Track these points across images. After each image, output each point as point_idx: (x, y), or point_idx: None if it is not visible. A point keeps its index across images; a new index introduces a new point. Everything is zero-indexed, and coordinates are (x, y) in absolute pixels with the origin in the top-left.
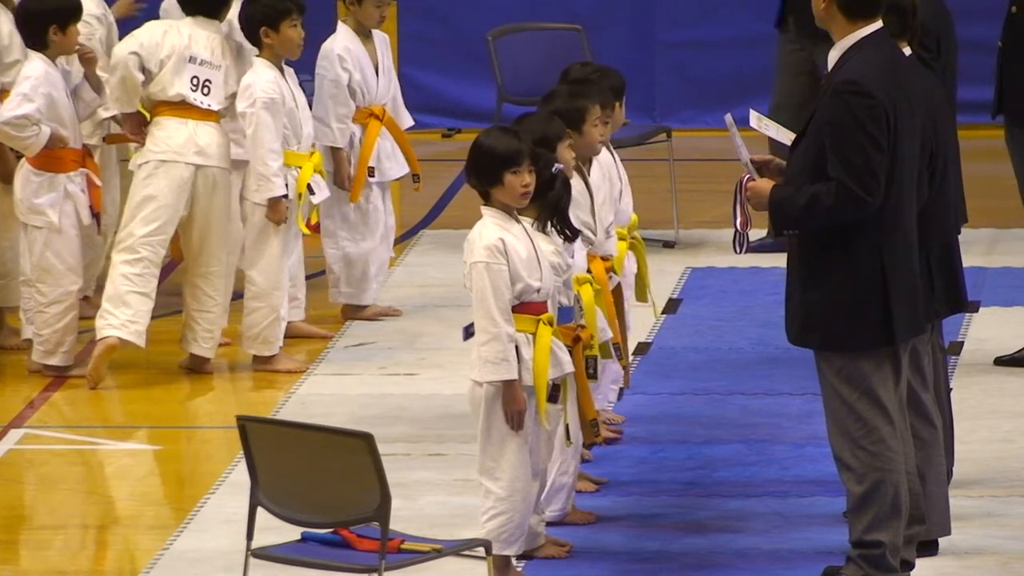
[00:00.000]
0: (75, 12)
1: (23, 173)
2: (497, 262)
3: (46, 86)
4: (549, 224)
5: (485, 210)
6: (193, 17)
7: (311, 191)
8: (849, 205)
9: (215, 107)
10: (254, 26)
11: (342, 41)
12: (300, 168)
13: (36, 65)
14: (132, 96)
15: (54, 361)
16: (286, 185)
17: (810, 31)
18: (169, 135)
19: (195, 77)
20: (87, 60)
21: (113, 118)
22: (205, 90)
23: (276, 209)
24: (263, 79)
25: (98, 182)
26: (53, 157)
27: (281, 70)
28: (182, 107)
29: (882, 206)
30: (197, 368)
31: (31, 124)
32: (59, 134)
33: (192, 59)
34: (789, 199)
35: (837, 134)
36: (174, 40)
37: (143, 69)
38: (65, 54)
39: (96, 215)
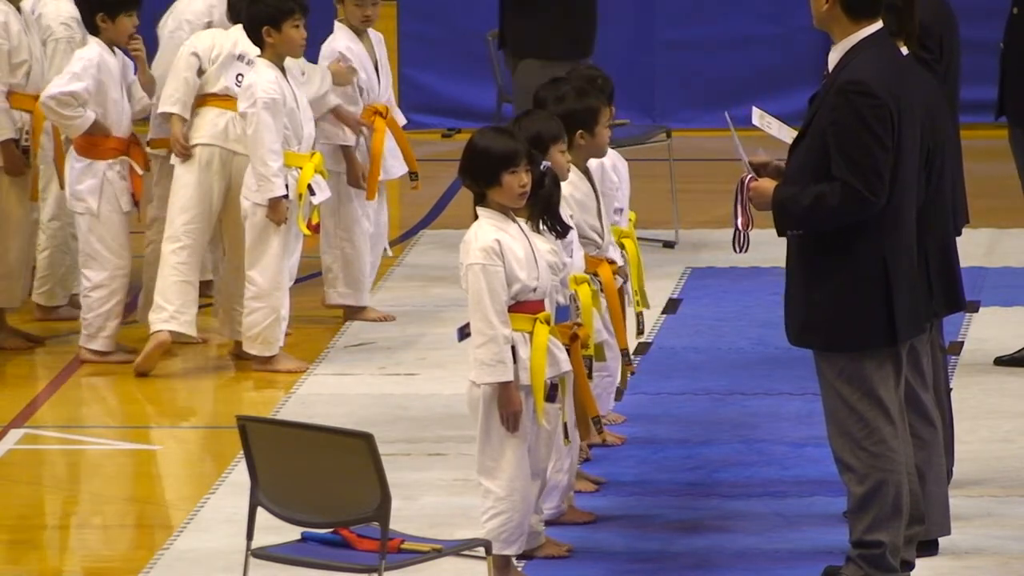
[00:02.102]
0: (123, 2)
1: (69, 159)
2: (493, 264)
3: (97, 69)
4: (541, 222)
5: (481, 211)
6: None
7: (312, 192)
8: (854, 205)
9: None
10: (257, 25)
11: (343, 40)
12: (301, 169)
13: (91, 48)
14: (189, 98)
15: (96, 345)
16: (286, 185)
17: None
18: (207, 122)
19: (240, 75)
20: (136, 57)
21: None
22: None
23: (276, 209)
24: (264, 79)
25: (140, 171)
26: (94, 144)
27: (283, 70)
28: (224, 99)
29: (885, 206)
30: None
31: (77, 104)
32: (102, 121)
33: (240, 57)
34: (793, 199)
35: (842, 134)
36: (223, 41)
37: (200, 71)
38: (116, 43)
39: (137, 203)
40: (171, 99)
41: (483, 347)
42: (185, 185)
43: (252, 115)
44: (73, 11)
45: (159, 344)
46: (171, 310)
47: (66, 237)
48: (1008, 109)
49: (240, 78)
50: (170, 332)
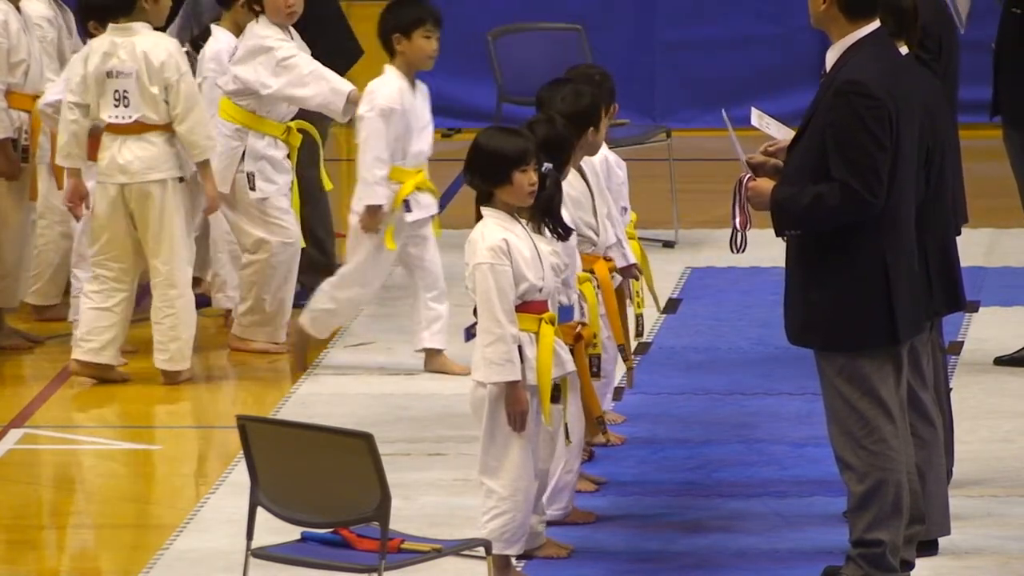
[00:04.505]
0: (112, 9)
1: None
2: (501, 263)
3: None
4: (543, 224)
5: (486, 211)
6: (121, 24)
7: (407, 208)
8: (853, 206)
9: (135, 116)
10: (387, 33)
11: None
12: (402, 183)
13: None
14: (82, 149)
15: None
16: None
17: None
18: (102, 155)
19: (116, 91)
20: None
21: None
22: (125, 102)
23: (371, 216)
24: (387, 88)
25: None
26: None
27: (412, 82)
28: (112, 127)
29: (883, 206)
30: (167, 380)
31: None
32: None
33: (109, 74)
34: (792, 199)
35: (840, 134)
36: (92, 65)
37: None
38: None
39: None
40: (60, 156)
41: (491, 346)
42: (94, 216)
43: (367, 120)
44: (46, 11)
45: (70, 373)
46: (77, 337)
47: (55, 235)
48: (1002, 109)
49: (117, 95)
50: (75, 360)
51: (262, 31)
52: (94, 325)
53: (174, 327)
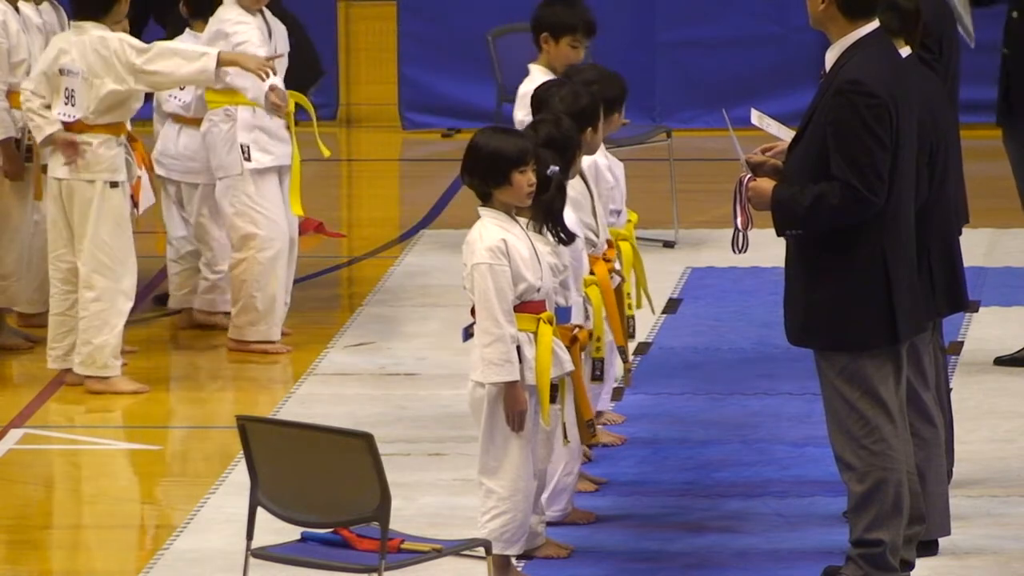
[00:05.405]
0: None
1: None
2: (499, 263)
3: None
4: (544, 227)
5: (484, 211)
6: (78, 22)
7: None
8: (855, 206)
9: (77, 116)
10: (538, 30)
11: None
12: None
13: None
14: (45, 126)
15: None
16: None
17: None
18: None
19: (66, 88)
20: None
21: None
22: (72, 101)
23: None
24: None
25: (138, 171)
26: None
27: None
28: (63, 124)
29: (884, 205)
30: (84, 383)
31: None
32: None
33: (62, 71)
34: (793, 199)
35: (841, 134)
36: (48, 60)
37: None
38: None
39: (136, 204)
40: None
41: (490, 346)
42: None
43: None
44: (37, 20)
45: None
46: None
47: (44, 243)
48: (1015, 112)
49: (68, 92)
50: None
51: (224, 14)
52: (55, 332)
53: (86, 330)
